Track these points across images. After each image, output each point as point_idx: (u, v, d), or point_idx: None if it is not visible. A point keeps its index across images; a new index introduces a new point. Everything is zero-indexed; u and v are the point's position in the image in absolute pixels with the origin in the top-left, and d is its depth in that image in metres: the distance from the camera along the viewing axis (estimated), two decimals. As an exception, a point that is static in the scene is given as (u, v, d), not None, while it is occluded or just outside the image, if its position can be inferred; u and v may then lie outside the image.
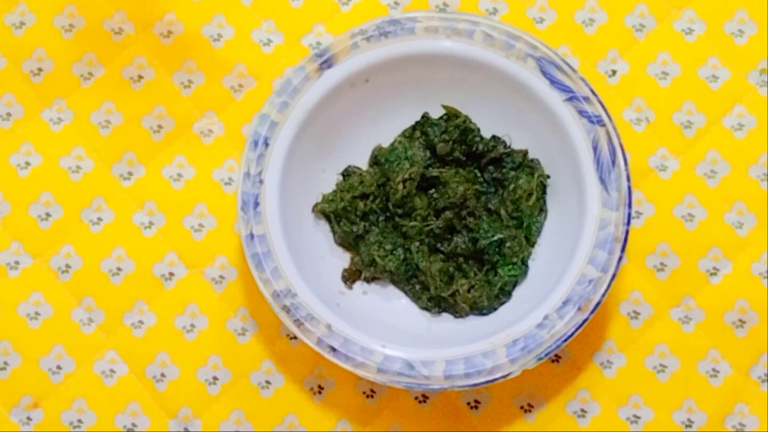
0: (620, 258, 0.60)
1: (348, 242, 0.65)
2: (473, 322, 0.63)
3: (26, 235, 0.66)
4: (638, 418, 0.64)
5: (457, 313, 0.64)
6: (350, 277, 0.65)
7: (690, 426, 0.63)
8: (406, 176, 0.64)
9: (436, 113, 0.66)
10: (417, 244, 0.64)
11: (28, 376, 0.65)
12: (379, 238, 0.64)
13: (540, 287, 0.62)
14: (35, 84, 0.68)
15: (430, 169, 0.65)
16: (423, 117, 0.66)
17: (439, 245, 0.64)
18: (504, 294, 0.63)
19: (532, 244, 0.64)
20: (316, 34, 0.69)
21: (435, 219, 0.64)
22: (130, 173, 0.67)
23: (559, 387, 0.64)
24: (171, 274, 0.66)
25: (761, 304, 0.65)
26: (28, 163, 0.67)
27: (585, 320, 0.60)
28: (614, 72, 0.68)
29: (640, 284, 0.65)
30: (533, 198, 0.64)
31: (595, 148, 0.61)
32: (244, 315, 0.65)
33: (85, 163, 0.67)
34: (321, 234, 0.65)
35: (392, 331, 0.62)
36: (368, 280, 0.65)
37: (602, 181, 0.61)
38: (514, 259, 0.64)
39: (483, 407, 0.64)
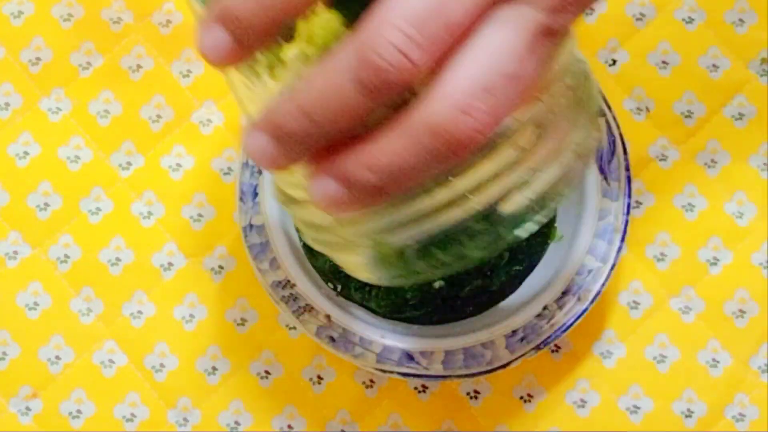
0: (620, 248, 0.60)
1: (347, 232, 0.65)
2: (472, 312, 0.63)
3: (25, 225, 0.66)
4: (638, 408, 0.64)
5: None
6: (349, 267, 0.65)
7: (690, 416, 0.63)
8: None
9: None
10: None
11: (27, 367, 0.65)
12: (378, 228, 0.64)
13: (539, 277, 0.62)
14: (33, 74, 0.68)
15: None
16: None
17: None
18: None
19: (532, 234, 0.64)
20: (316, 24, 0.69)
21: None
22: (128, 163, 0.67)
23: (559, 377, 0.64)
24: (170, 264, 0.66)
25: (761, 295, 0.64)
26: (26, 153, 0.67)
27: (584, 310, 0.60)
28: (614, 61, 0.68)
29: (639, 274, 0.65)
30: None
31: (594, 138, 0.61)
32: (243, 305, 0.65)
33: (83, 153, 0.67)
34: (320, 224, 0.65)
35: (391, 322, 0.62)
36: (367, 270, 0.65)
37: (602, 170, 0.61)
38: (514, 250, 0.64)
39: (482, 397, 0.64)
